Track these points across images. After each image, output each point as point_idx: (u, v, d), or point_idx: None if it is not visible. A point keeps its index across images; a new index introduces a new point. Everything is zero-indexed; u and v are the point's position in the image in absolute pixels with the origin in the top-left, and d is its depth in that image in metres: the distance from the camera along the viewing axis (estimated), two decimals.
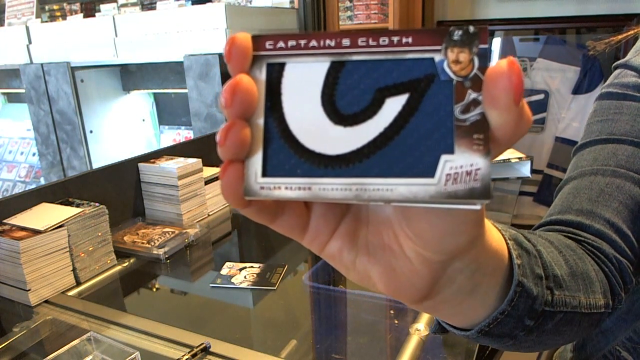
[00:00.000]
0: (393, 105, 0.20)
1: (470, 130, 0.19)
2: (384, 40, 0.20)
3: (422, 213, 0.22)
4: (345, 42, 0.20)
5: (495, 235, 0.28)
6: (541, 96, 2.05)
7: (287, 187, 0.20)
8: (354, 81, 0.20)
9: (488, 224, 0.27)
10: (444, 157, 0.19)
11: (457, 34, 0.19)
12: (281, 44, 0.20)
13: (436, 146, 0.19)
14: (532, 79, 2.05)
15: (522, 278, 0.30)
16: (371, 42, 0.20)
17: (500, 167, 1.30)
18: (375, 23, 2.12)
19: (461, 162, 0.19)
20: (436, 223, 0.22)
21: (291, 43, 0.20)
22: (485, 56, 0.19)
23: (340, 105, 0.20)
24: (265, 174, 0.20)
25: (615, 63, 0.56)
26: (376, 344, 0.73)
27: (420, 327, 0.70)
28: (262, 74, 0.21)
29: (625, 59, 0.54)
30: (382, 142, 0.20)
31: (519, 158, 1.33)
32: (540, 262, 0.33)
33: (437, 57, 0.19)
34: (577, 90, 1.95)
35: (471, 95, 0.19)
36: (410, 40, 0.20)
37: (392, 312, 0.79)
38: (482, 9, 2.18)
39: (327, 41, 0.20)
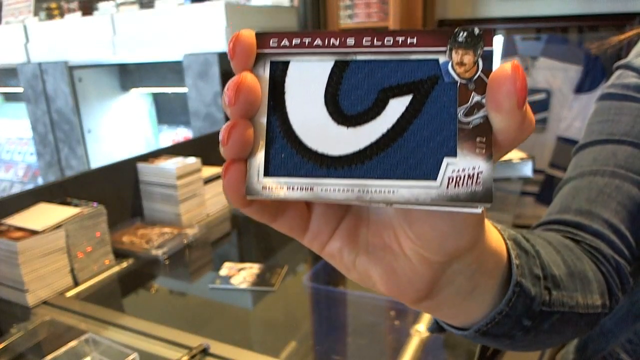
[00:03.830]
0: (396, 106, 0.20)
1: (473, 133, 0.19)
2: (388, 40, 0.20)
3: (423, 215, 0.22)
4: (350, 41, 0.20)
5: (494, 236, 0.28)
6: (543, 95, 2.04)
7: (289, 187, 0.20)
8: (358, 81, 0.20)
9: (488, 224, 0.27)
10: (446, 160, 0.19)
11: (462, 35, 0.19)
12: (285, 42, 0.20)
13: (439, 149, 0.19)
14: (534, 78, 2.05)
15: (521, 278, 0.30)
16: (376, 42, 0.20)
17: (502, 167, 1.29)
18: (375, 22, 2.11)
19: (463, 165, 0.19)
20: (437, 225, 0.22)
21: (295, 41, 0.20)
22: (489, 59, 0.19)
23: (344, 105, 0.20)
24: (267, 173, 0.20)
25: (617, 64, 0.56)
26: (376, 345, 0.72)
27: (421, 329, 0.69)
28: (266, 72, 0.20)
29: (627, 59, 0.54)
30: (385, 144, 0.20)
31: (521, 158, 1.33)
32: (539, 262, 0.34)
33: (442, 59, 0.19)
34: (579, 89, 1.94)
35: (475, 97, 0.19)
36: (414, 40, 0.20)
37: (392, 313, 0.78)
38: (483, 8, 2.17)
39: (332, 40, 0.20)
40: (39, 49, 1.96)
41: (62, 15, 2.10)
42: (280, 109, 0.20)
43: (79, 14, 2.01)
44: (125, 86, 2.03)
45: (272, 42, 0.20)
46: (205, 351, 0.65)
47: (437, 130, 0.19)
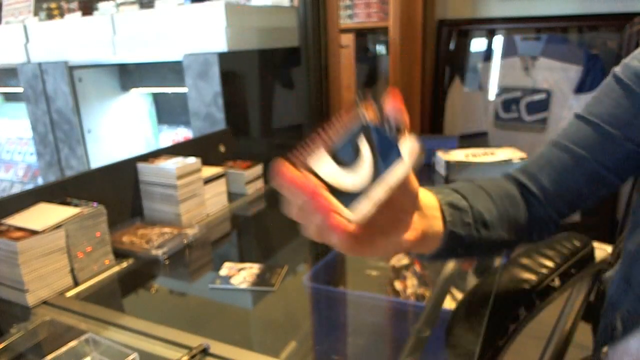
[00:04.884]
0: (365, 150, 0.36)
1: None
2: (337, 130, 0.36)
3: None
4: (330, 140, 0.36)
5: (432, 204, 0.47)
6: (543, 95, 2.04)
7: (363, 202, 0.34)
8: (346, 151, 0.36)
9: (426, 196, 0.46)
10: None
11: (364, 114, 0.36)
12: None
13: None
14: (534, 78, 2.05)
15: (452, 228, 0.48)
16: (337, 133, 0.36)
17: (501, 167, 1.29)
18: (375, 22, 2.11)
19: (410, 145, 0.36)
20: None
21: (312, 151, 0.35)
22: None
23: (343, 161, 0.35)
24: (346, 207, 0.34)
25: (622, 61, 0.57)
26: (376, 345, 0.72)
27: (421, 329, 0.69)
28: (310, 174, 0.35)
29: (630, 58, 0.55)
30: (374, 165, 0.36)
31: (521, 158, 1.33)
32: (471, 213, 0.51)
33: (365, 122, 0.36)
34: (579, 89, 1.94)
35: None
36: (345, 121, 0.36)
37: (392, 313, 0.78)
38: (483, 8, 2.17)
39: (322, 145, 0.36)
40: (39, 49, 1.96)
41: (62, 15, 2.10)
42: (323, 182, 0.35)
43: (79, 14, 2.01)
44: (125, 86, 2.03)
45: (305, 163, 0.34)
46: (205, 351, 0.65)
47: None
